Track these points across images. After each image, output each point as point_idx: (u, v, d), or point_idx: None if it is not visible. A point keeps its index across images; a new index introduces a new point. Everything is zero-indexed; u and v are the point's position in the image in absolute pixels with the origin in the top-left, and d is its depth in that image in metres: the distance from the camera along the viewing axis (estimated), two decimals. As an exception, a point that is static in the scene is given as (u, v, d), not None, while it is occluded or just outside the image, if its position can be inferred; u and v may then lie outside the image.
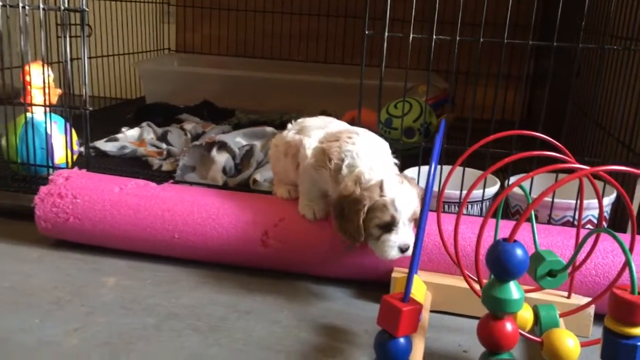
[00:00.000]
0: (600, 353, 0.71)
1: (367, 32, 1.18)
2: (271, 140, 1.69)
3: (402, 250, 0.97)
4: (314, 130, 1.12)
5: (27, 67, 1.36)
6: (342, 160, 1.01)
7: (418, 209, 0.98)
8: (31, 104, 1.38)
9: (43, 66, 1.35)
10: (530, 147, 0.98)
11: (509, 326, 0.75)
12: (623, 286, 0.70)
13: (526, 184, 1.17)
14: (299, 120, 1.19)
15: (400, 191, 0.97)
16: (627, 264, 0.69)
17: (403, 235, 0.97)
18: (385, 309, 0.75)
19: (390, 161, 1.06)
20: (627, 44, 1.26)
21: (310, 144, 1.08)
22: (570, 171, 0.76)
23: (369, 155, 1.01)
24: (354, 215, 0.96)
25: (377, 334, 0.77)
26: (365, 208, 0.96)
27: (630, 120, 1.27)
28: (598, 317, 0.95)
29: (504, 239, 0.73)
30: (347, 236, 1.00)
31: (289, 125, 1.20)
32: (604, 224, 1.17)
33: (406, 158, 1.47)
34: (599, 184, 0.93)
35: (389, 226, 0.96)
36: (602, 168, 0.73)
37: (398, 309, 0.73)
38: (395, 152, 1.10)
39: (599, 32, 1.57)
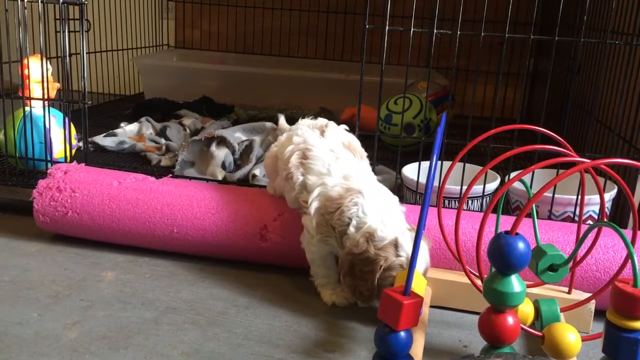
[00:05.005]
0: (602, 346, 0.70)
1: (367, 26, 1.17)
2: (270, 135, 1.70)
3: None
4: (316, 180, 1.03)
5: (25, 61, 1.35)
6: (347, 224, 0.96)
7: (429, 264, 0.98)
8: (30, 98, 1.37)
9: (41, 60, 1.34)
10: (531, 145, 0.97)
11: (510, 319, 0.74)
12: (625, 279, 0.69)
13: (527, 179, 1.17)
14: (299, 131, 1.10)
15: None
16: (629, 256, 0.69)
17: None
18: (385, 302, 0.75)
19: (401, 214, 1.00)
20: (628, 39, 1.26)
21: (312, 220, 1.00)
22: (571, 165, 0.76)
23: (377, 209, 0.96)
24: (368, 275, 0.93)
25: (377, 328, 0.76)
26: (381, 269, 0.92)
27: (631, 116, 1.27)
28: (598, 313, 0.95)
29: (506, 232, 0.73)
30: (357, 294, 0.96)
31: (282, 136, 1.13)
32: (605, 220, 1.17)
33: (406, 154, 1.47)
34: (600, 180, 0.93)
35: None
36: (603, 161, 0.73)
37: (399, 302, 0.72)
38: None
39: (600, 28, 1.57)
